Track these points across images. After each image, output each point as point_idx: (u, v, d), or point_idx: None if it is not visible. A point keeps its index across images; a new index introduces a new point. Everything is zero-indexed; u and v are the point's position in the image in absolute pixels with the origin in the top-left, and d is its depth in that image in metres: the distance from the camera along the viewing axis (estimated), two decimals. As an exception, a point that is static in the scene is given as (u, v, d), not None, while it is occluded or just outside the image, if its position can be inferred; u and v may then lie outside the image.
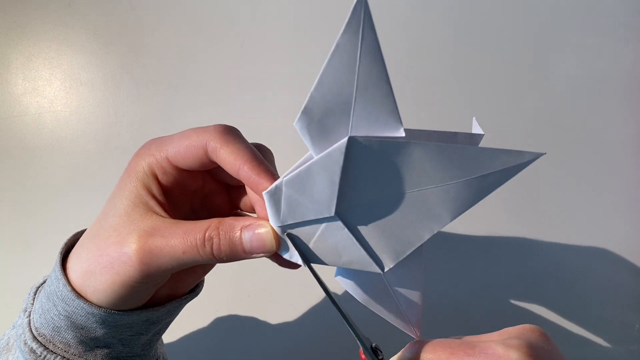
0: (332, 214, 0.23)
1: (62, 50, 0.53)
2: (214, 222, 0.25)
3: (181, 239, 0.24)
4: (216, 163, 0.26)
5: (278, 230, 0.24)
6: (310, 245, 0.24)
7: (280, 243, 0.25)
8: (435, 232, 0.23)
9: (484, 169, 0.21)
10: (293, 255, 0.25)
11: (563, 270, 0.53)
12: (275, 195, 0.23)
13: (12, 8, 0.53)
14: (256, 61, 0.53)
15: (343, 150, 0.21)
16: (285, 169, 0.24)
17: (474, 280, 0.52)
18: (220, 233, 0.24)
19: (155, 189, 0.26)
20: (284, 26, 0.53)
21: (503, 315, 0.52)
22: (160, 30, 0.53)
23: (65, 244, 0.28)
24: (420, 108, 0.52)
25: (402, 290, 0.26)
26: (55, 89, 0.53)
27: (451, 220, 0.23)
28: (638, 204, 0.52)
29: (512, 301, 0.53)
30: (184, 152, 0.25)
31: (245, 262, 0.51)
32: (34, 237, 0.50)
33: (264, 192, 0.23)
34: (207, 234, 0.24)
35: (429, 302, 0.51)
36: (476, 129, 0.26)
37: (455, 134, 0.24)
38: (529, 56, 0.53)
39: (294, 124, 0.21)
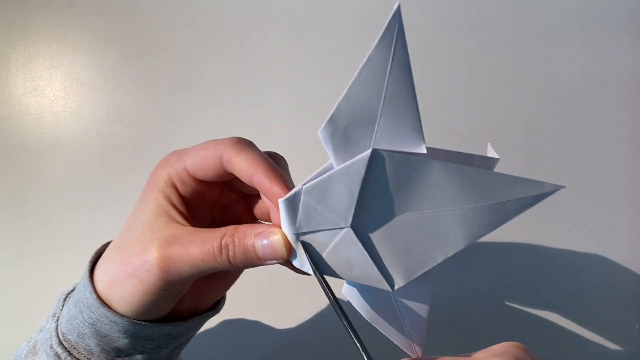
0: (349, 225, 0.23)
1: (62, 50, 0.53)
2: (230, 229, 0.25)
3: (199, 247, 0.25)
4: (231, 174, 0.26)
5: (292, 238, 0.24)
6: (323, 256, 0.24)
7: (292, 251, 0.25)
8: (449, 255, 0.23)
9: (503, 196, 0.21)
10: (304, 264, 0.25)
11: (563, 270, 0.53)
12: (292, 203, 0.23)
13: (12, 8, 0.53)
14: (256, 61, 0.53)
15: (366, 162, 0.21)
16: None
17: (474, 281, 0.52)
18: (235, 240, 0.25)
19: (175, 199, 0.27)
20: (285, 26, 0.53)
21: (503, 316, 0.52)
22: (160, 30, 0.53)
23: (96, 252, 0.29)
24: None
25: (408, 310, 0.26)
26: (55, 89, 0.53)
27: (466, 246, 0.23)
28: (638, 204, 0.52)
29: (512, 302, 0.53)
30: (200, 163, 0.26)
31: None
32: (34, 236, 0.50)
33: (280, 200, 0.23)
34: (223, 242, 0.25)
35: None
36: (491, 154, 0.25)
37: (472, 156, 0.24)
38: (528, 56, 0.53)
39: (318, 133, 0.21)
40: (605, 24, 0.53)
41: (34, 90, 0.53)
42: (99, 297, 0.27)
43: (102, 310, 0.26)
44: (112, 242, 0.28)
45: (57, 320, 0.29)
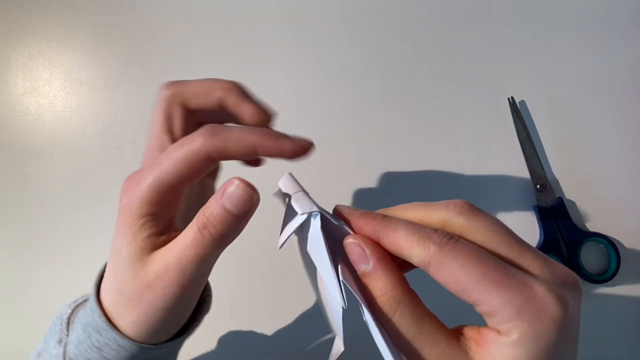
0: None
1: (62, 50, 0.53)
2: (198, 213, 0.25)
3: (184, 247, 0.25)
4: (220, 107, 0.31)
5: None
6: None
7: (254, 190, 0.25)
8: None
9: None
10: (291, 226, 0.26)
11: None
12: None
13: (12, 8, 0.53)
14: (256, 61, 0.53)
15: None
16: (289, 171, 0.23)
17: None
18: (207, 216, 0.25)
19: (149, 228, 0.27)
20: (284, 26, 0.53)
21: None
22: (160, 30, 0.53)
23: (98, 275, 0.29)
24: (417, 98, 0.52)
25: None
26: (55, 89, 0.53)
27: None
28: (638, 204, 0.52)
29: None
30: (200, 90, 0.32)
31: (244, 261, 0.51)
32: (34, 237, 0.50)
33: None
34: (199, 226, 0.25)
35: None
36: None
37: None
38: (528, 56, 0.53)
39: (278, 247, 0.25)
40: (605, 24, 0.53)
41: (34, 90, 0.53)
42: (108, 320, 0.27)
43: (111, 333, 0.26)
44: (107, 267, 0.28)
45: (65, 346, 0.29)
